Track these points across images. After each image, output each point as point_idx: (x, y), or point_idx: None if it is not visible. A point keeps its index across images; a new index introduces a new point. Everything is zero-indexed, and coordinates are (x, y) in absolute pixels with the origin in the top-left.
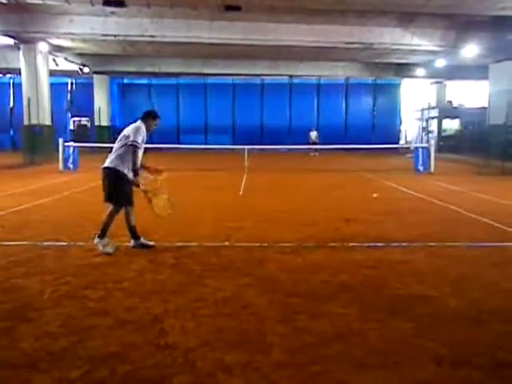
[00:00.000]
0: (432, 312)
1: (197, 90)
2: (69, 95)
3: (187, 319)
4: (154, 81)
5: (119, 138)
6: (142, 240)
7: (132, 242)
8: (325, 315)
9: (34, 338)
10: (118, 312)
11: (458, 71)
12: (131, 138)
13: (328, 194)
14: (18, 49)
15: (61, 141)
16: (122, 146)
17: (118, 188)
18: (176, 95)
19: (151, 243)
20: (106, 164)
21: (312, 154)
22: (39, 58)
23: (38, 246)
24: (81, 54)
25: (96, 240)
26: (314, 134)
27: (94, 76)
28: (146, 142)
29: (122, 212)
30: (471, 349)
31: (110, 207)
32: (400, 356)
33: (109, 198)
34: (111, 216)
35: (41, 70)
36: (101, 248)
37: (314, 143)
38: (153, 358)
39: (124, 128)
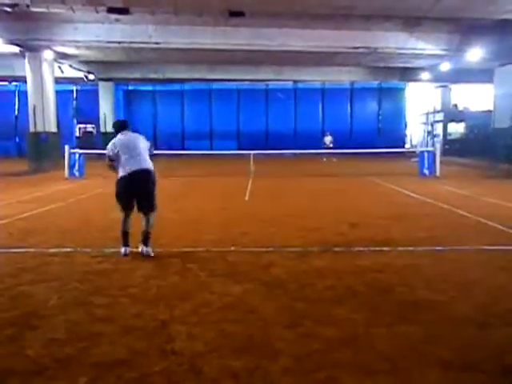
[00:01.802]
0: (439, 316)
1: (201, 95)
2: (74, 102)
3: (194, 325)
4: (159, 87)
5: (144, 146)
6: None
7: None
8: (331, 320)
9: (40, 344)
10: (124, 318)
11: (463, 75)
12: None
13: (333, 198)
14: (24, 57)
15: (66, 148)
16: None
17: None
18: (181, 101)
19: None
20: (147, 166)
21: (325, 158)
22: (44, 66)
23: (45, 252)
24: (86, 61)
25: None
26: (328, 139)
27: (99, 83)
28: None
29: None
30: (479, 353)
31: (148, 216)
32: (408, 361)
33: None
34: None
35: (46, 77)
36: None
37: (329, 148)
38: (159, 365)
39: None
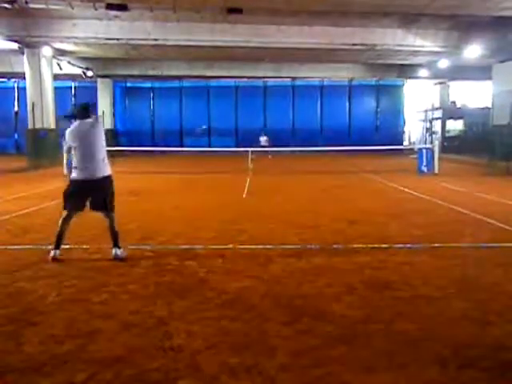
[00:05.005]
0: (437, 313)
1: (200, 92)
2: (73, 99)
3: (192, 322)
4: (157, 84)
5: (98, 137)
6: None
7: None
8: (329, 317)
9: (38, 341)
10: (122, 315)
11: (462, 72)
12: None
13: (331, 195)
14: (22, 53)
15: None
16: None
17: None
18: (179, 98)
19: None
20: (107, 173)
21: (270, 156)
22: (43, 62)
23: (43, 249)
24: (84, 58)
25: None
26: (263, 139)
27: (98, 79)
28: (149, 145)
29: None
30: (476, 350)
31: (109, 217)
32: (405, 358)
33: (106, 206)
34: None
35: (45, 74)
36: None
37: (264, 146)
38: (157, 361)
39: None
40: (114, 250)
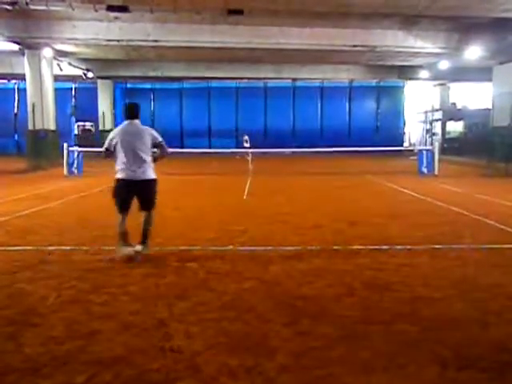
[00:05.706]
0: (436, 314)
1: (200, 93)
2: (73, 100)
3: (192, 323)
4: (158, 85)
5: (143, 140)
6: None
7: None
8: (329, 318)
9: (38, 342)
10: (122, 316)
11: (462, 73)
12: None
13: (331, 196)
14: (23, 54)
15: (65, 145)
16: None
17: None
18: (179, 99)
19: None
20: (150, 176)
21: (241, 155)
22: (43, 64)
23: (43, 250)
24: (85, 59)
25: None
26: (245, 139)
27: (98, 81)
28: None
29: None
30: (476, 351)
31: (147, 214)
32: (405, 359)
33: (151, 205)
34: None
35: (45, 75)
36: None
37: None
38: (157, 362)
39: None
40: (137, 246)
